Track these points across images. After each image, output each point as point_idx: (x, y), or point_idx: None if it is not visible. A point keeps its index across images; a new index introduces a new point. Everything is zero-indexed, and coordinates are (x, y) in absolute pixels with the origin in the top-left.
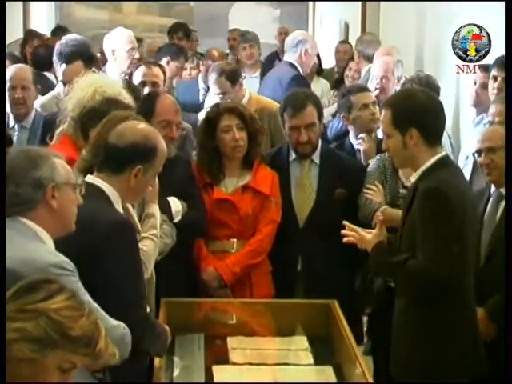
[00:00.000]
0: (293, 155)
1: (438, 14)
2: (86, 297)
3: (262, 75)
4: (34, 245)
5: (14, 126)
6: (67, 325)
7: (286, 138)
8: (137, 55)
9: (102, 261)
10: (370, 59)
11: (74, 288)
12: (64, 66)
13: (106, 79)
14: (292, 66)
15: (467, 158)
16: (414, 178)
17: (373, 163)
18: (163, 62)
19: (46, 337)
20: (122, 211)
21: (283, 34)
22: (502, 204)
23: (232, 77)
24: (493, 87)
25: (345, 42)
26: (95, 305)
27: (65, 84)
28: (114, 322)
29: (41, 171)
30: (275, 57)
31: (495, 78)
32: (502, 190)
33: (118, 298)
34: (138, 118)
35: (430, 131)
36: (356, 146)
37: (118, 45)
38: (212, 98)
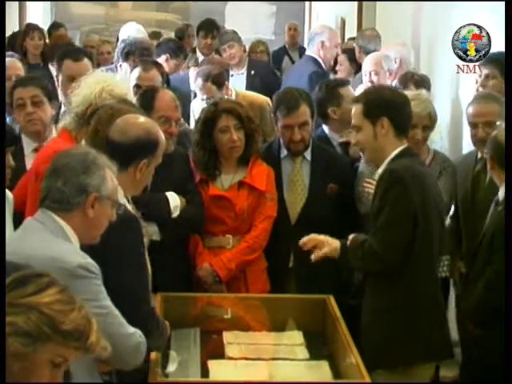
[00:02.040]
0: (284, 152)
1: (435, 9)
2: (107, 301)
3: (249, 70)
4: (61, 243)
5: None
6: (58, 319)
7: (278, 134)
8: None
9: (111, 256)
10: None
11: (96, 291)
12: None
13: (113, 78)
14: (314, 60)
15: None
16: (381, 169)
17: None
18: (162, 59)
19: (37, 331)
20: (127, 205)
21: (292, 29)
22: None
23: (218, 81)
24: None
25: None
26: (116, 311)
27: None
28: (131, 330)
29: (90, 178)
30: (283, 52)
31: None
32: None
33: (130, 293)
34: (132, 111)
35: (399, 121)
36: (341, 140)
37: None
38: (198, 102)
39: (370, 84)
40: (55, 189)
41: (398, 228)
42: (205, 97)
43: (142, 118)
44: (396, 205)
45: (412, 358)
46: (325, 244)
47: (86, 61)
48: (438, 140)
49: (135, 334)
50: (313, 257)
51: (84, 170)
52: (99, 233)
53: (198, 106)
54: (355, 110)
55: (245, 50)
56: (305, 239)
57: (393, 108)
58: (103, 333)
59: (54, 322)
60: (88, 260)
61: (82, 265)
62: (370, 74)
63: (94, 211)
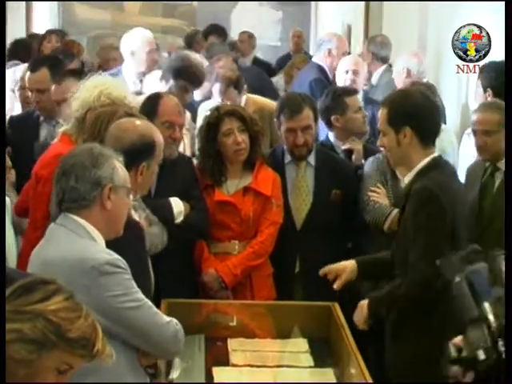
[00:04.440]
0: (288, 157)
1: (441, 18)
2: (139, 294)
3: None
4: (86, 242)
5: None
6: (65, 326)
7: (281, 139)
8: (155, 56)
9: None
10: (384, 60)
11: (127, 285)
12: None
13: (112, 81)
14: (318, 67)
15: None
16: (407, 178)
17: (370, 165)
18: None
19: (43, 338)
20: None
21: (296, 36)
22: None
23: (239, 85)
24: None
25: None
26: (149, 302)
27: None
28: (167, 319)
29: (101, 170)
30: (288, 58)
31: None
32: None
33: None
34: (127, 111)
35: (424, 131)
36: (344, 147)
37: (137, 46)
38: (208, 105)
39: (349, 82)
40: (69, 189)
41: (437, 251)
42: (227, 102)
43: (135, 122)
44: (432, 228)
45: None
46: (342, 270)
47: (42, 71)
48: (451, 152)
49: (171, 322)
50: (336, 286)
51: (93, 163)
52: (121, 225)
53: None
54: (381, 114)
55: (235, 61)
56: (325, 271)
57: (417, 117)
58: (140, 325)
59: (61, 329)
60: (115, 256)
61: (109, 261)
62: (353, 73)
63: (112, 202)
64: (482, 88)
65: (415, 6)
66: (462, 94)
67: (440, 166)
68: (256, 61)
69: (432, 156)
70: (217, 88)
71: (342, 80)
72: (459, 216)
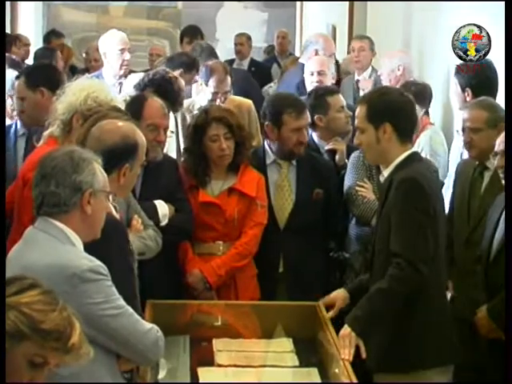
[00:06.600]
0: (270, 158)
1: (425, 18)
2: (120, 301)
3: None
4: (67, 248)
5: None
6: (38, 318)
7: (261, 137)
8: (127, 57)
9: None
10: None
11: (108, 292)
12: None
13: (98, 85)
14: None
15: None
16: (387, 172)
17: (356, 160)
18: (176, 73)
19: (14, 329)
20: (113, 211)
21: (281, 37)
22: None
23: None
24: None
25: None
26: (130, 309)
27: None
28: (148, 326)
29: (82, 175)
30: (273, 61)
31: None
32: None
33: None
34: (116, 116)
35: (402, 127)
36: (327, 147)
37: (108, 47)
38: (205, 97)
39: (316, 84)
40: (49, 193)
41: (426, 237)
42: (226, 89)
43: (117, 123)
44: (421, 216)
45: (419, 363)
46: (336, 299)
47: None
48: (442, 153)
49: (152, 329)
50: (331, 314)
51: (74, 168)
52: (99, 228)
53: (202, 100)
54: (359, 111)
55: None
56: (324, 303)
57: (396, 113)
58: (120, 332)
59: (34, 321)
60: (96, 262)
61: (91, 268)
62: (319, 74)
63: (91, 207)
64: (460, 88)
65: (399, 6)
66: (445, 94)
67: (418, 160)
68: (253, 63)
69: (409, 151)
70: (216, 76)
71: (308, 82)
72: (438, 209)
